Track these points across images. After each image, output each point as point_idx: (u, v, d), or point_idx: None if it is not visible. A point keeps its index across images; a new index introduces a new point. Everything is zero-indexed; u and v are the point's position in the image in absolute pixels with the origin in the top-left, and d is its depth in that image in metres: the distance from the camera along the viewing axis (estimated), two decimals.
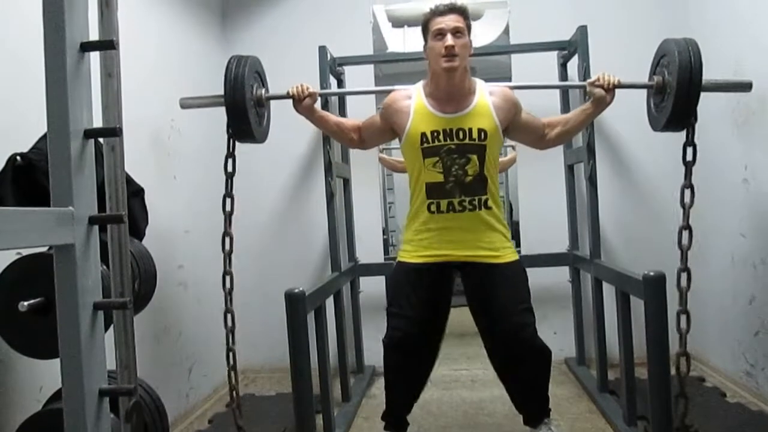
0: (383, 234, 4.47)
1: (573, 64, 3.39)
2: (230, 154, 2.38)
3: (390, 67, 5.09)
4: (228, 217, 2.38)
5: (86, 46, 1.12)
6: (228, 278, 2.36)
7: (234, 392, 2.32)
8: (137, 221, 2.06)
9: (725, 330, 3.06)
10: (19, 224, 0.98)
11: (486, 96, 2.30)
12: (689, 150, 2.24)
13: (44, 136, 1.29)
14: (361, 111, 3.73)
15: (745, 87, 2.32)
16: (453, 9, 2.25)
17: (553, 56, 3.59)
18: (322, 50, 3.32)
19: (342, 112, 3.68)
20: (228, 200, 2.38)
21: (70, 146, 1.09)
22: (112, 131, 1.21)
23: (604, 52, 3.33)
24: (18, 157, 1.69)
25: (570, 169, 3.55)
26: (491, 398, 3.05)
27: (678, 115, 2.20)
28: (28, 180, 1.67)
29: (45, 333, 1.25)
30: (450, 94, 2.28)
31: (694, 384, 3.10)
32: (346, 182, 3.65)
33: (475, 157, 2.24)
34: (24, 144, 1.74)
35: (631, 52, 3.62)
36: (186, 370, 3.08)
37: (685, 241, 2.20)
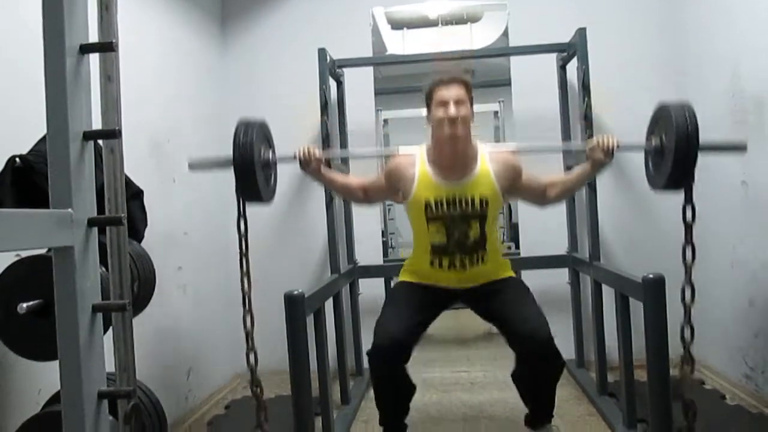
0: (382, 236, 4.47)
1: (572, 66, 3.39)
2: (241, 215, 2.42)
3: (389, 69, 5.09)
4: (246, 276, 2.38)
5: (86, 48, 1.12)
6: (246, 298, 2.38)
7: (258, 390, 2.35)
8: (136, 223, 2.06)
9: (725, 333, 3.06)
10: (18, 226, 0.98)
11: (487, 163, 2.37)
12: (688, 210, 2.26)
13: (43, 138, 1.29)
14: (361, 118, 3.75)
15: (741, 148, 2.36)
16: (455, 80, 2.32)
17: (552, 58, 3.60)
18: (322, 52, 3.32)
19: (342, 121, 3.67)
20: (244, 260, 2.41)
21: (70, 148, 1.09)
22: (112, 133, 1.21)
23: (604, 55, 3.34)
24: (17, 159, 1.69)
25: (569, 170, 3.54)
26: (491, 401, 3.05)
27: (676, 177, 2.22)
28: (27, 182, 1.67)
29: (44, 335, 1.25)
30: (453, 161, 2.35)
31: (694, 387, 3.09)
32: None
33: (476, 223, 2.35)
34: (23, 146, 1.74)
35: (630, 54, 3.65)
36: (184, 372, 3.08)
37: (688, 257, 2.23)
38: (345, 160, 3.57)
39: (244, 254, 2.42)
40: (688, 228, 2.23)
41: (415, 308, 2.38)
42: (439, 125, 2.29)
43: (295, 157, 2.45)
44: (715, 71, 3.14)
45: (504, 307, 2.35)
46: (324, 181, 2.60)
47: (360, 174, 2.74)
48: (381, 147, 5.61)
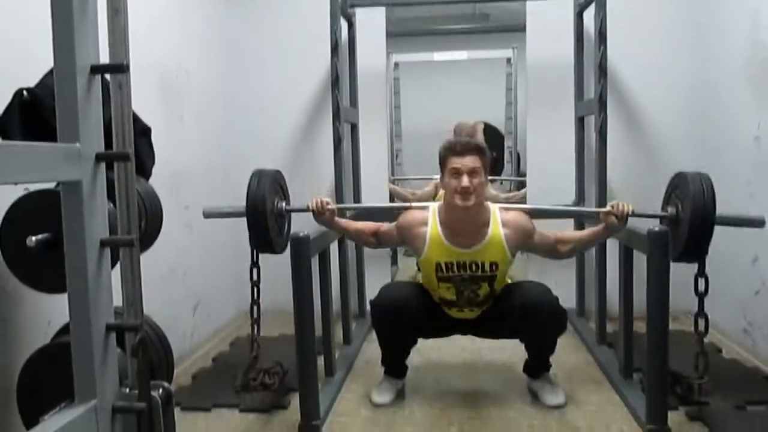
0: (390, 181, 4.46)
1: (589, 14, 3.31)
2: (254, 264, 2.53)
3: (402, 11, 4.98)
4: (255, 323, 2.54)
5: None
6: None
7: (255, 325, 2.55)
8: (144, 160, 2.05)
9: (726, 288, 3.08)
10: (27, 159, 0.98)
11: (499, 228, 2.38)
12: (701, 281, 2.28)
13: (51, 72, 1.28)
14: (371, 62, 3.68)
15: (759, 223, 2.32)
16: (470, 149, 2.30)
17: (569, 4, 3.50)
18: None
19: (353, 66, 3.60)
20: (254, 308, 2.55)
21: (77, 82, 1.08)
22: (119, 67, 1.19)
23: (622, 2, 3.25)
24: (24, 92, 1.67)
25: (580, 122, 3.51)
26: (490, 347, 3.10)
27: (691, 249, 2.22)
28: (34, 116, 1.66)
29: (53, 268, 1.27)
30: (464, 227, 2.38)
31: (691, 339, 3.13)
32: (354, 127, 3.62)
33: (486, 284, 2.40)
34: (30, 79, 1.72)
35: (649, 2, 3.55)
36: (190, 309, 3.13)
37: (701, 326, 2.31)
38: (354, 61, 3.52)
39: (255, 301, 2.54)
40: (701, 299, 2.28)
41: (428, 307, 2.48)
42: (452, 195, 2.31)
43: (308, 209, 2.47)
44: (734, 20, 3.06)
45: (503, 304, 2.44)
46: (337, 229, 2.62)
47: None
48: (392, 102, 5.56)
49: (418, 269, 2.91)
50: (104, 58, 1.18)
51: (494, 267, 2.38)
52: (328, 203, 2.46)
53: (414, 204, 2.58)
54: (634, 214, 2.33)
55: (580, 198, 3.51)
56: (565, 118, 3.55)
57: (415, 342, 2.58)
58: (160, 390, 1.29)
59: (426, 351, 2.99)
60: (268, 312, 3.22)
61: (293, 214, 2.59)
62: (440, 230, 2.40)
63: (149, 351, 1.38)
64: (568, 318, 2.48)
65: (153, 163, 2.09)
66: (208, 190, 3.32)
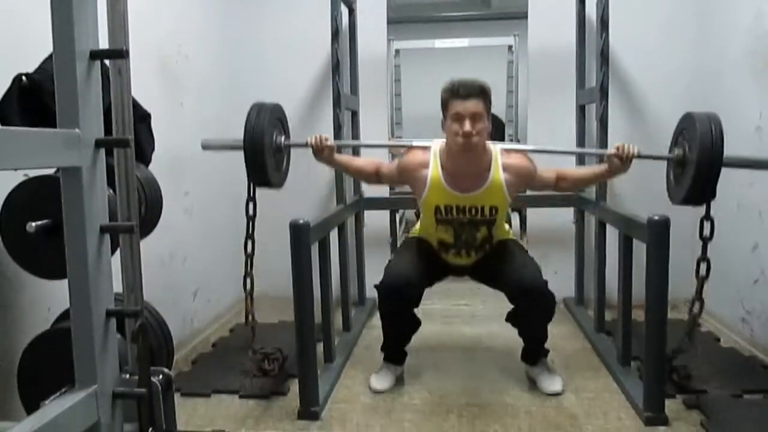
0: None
1: (591, 1, 3.29)
2: (251, 198, 2.49)
3: None
4: (249, 258, 2.49)
5: None
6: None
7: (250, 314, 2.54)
8: (144, 146, 2.04)
9: (725, 276, 3.08)
10: (26, 145, 0.98)
11: (500, 173, 2.37)
12: (707, 224, 2.24)
13: (50, 57, 1.27)
14: (372, 49, 3.66)
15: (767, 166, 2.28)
16: (473, 93, 2.25)
17: None
18: None
19: (353, 51, 3.59)
20: (248, 242, 2.50)
21: (76, 67, 1.08)
22: (119, 53, 1.19)
23: None
24: (23, 78, 1.67)
25: (581, 110, 3.50)
26: (490, 334, 3.12)
27: (697, 191, 2.17)
28: (34, 101, 1.66)
29: (53, 254, 1.27)
30: (465, 171, 2.37)
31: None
32: (355, 114, 3.61)
33: (484, 227, 2.42)
34: (29, 64, 1.71)
35: None
36: (190, 295, 3.14)
37: (702, 271, 2.29)
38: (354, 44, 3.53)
39: (250, 236, 2.50)
40: (705, 243, 2.24)
41: (426, 262, 2.48)
42: (454, 140, 2.29)
43: (307, 145, 2.46)
44: (737, 9, 3.04)
45: (499, 268, 2.45)
46: (336, 166, 2.63)
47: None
48: (393, 89, 5.54)
49: (417, 216, 2.92)
50: (103, 43, 1.17)
51: (494, 211, 2.40)
52: (326, 139, 2.46)
53: (415, 144, 2.54)
54: (639, 156, 2.32)
55: None
56: (567, 106, 3.54)
57: (419, 326, 2.59)
58: (160, 376, 1.30)
59: (425, 337, 3.00)
60: (268, 298, 3.25)
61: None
62: (441, 174, 2.39)
63: (149, 337, 1.39)
64: (555, 304, 2.45)
65: (153, 149, 2.09)
66: (207, 175, 3.31)
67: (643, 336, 2.21)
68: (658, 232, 2.15)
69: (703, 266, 2.28)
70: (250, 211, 2.49)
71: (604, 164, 2.43)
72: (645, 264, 2.20)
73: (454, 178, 2.37)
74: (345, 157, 2.67)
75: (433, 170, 2.40)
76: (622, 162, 2.31)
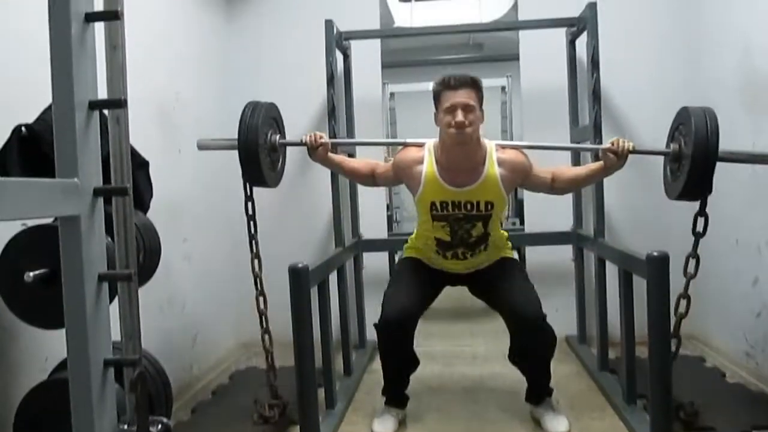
0: (387, 210, 4.47)
1: (581, 42, 3.35)
2: (249, 198, 2.49)
3: (397, 42, 5.04)
4: (256, 257, 2.52)
5: (91, 17, 1.11)
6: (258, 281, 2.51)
7: (272, 371, 2.56)
8: (142, 194, 2.05)
9: (727, 311, 3.07)
10: (25, 195, 0.98)
11: (495, 167, 2.37)
12: (700, 220, 2.26)
13: (49, 107, 1.29)
14: (367, 92, 3.71)
15: (765, 159, 2.31)
16: (464, 84, 2.27)
17: (561, 33, 3.55)
18: (329, 24, 3.29)
19: (349, 94, 3.64)
20: (253, 242, 2.52)
21: (75, 118, 1.09)
22: (117, 103, 1.20)
23: (614, 30, 3.30)
24: (23, 128, 1.68)
25: None
26: (492, 375, 3.08)
27: (693, 187, 2.20)
28: (33, 151, 1.67)
29: (51, 303, 1.26)
30: (460, 165, 2.36)
31: (695, 363, 3.12)
32: (351, 157, 3.64)
33: (480, 223, 2.40)
34: (29, 115, 1.73)
35: (640, 28, 3.60)
36: (189, 342, 3.11)
37: (691, 268, 2.29)
38: (350, 88, 3.57)
39: (253, 236, 2.46)
40: (697, 238, 2.25)
41: (420, 283, 2.47)
42: (447, 131, 2.29)
43: (302, 143, 2.47)
44: (726, 47, 3.10)
45: (498, 288, 2.43)
46: (331, 166, 2.62)
47: (367, 157, 2.74)
48: (389, 132, 5.60)
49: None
50: (102, 92, 1.19)
51: (489, 206, 2.37)
52: (321, 137, 2.46)
53: (409, 141, 2.52)
54: (634, 151, 2.33)
55: (578, 223, 3.52)
56: (561, 144, 3.57)
57: (418, 365, 2.57)
58: (159, 425, 1.28)
59: (426, 379, 2.97)
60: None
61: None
62: (436, 169, 2.37)
63: (148, 386, 1.37)
64: (556, 340, 2.45)
65: (151, 196, 2.10)
66: (206, 221, 3.32)
67: (647, 373, 2.18)
68: (658, 268, 2.14)
69: (692, 263, 2.27)
70: (250, 211, 2.49)
71: (599, 162, 2.42)
72: (646, 299, 2.19)
73: (449, 173, 2.36)
74: (340, 157, 2.65)
75: (428, 166, 2.39)
76: (618, 157, 2.32)
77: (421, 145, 2.46)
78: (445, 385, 3.03)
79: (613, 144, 2.33)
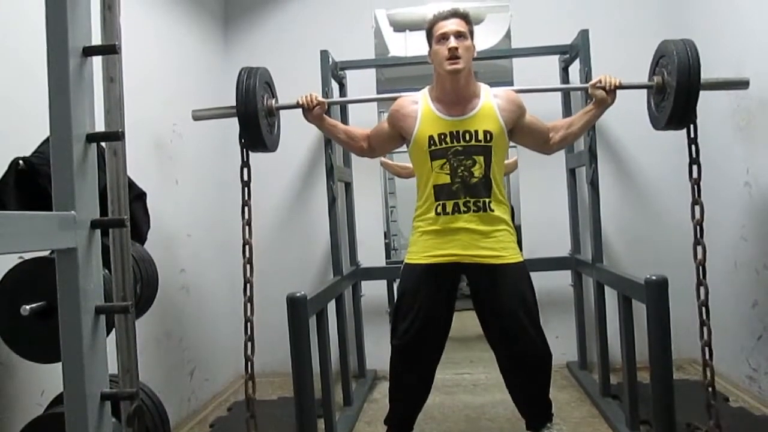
0: (385, 238, 4.46)
1: (574, 69, 3.39)
2: (245, 164, 2.45)
3: (392, 71, 5.08)
4: (246, 224, 2.42)
5: (89, 51, 1.12)
6: (248, 286, 2.38)
7: (250, 402, 2.35)
8: (139, 225, 2.06)
9: (728, 334, 3.05)
10: (22, 228, 0.98)
11: (491, 98, 2.34)
12: (695, 169, 2.31)
13: (47, 140, 1.29)
14: (363, 117, 3.74)
15: (743, 84, 2.39)
16: (455, 14, 2.30)
17: (554, 60, 3.60)
18: (324, 54, 3.32)
19: (344, 119, 3.68)
20: (245, 209, 2.43)
21: (73, 150, 1.09)
22: (115, 135, 1.21)
23: (606, 56, 3.33)
24: (20, 162, 1.69)
25: (572, 173, 3.55)
26: (493, 403, 3.05)
27: (678, 114, 2.27)
28: (30, 184, 1.67)
29: (47, 337, 1.26)
30: (455, 96, 2.32)
31: (697, 387, 3.08)
32: (348, 186, 3.65)
33: (480, 159, 2.28)
34: (26, 148, 1.74)
35: (633, 55, 3.62)
36: (187, 374, 3.08)
37: (699, 255, 2.28)
38: (344, 117, 3.59)
39: (246, 202, 2.42)
40: (695, 185, 2.30)
41: (429, 299, 2.32)
42: (441, 59, 2.28)
43: (298, 104, 2.47)
44: (718, 73, 3.12)
45: (503, 319, 2.29)
46: (326, 128, 2.58)
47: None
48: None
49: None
50: (99, 124, 1.20)
51: (488, 136, 2.28)
52: (316, 97, 2.44)
53: (404, 94, 2.48)
54: (621, 86, 2.38)
55: (576, 248, 3.52)
56: (557, 170, 3.59)
57: (428, 391, 2.47)
58: None
59: (427, 408, 2.92)
60: (266, 374, 3.19)
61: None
62: (432, 105, 2.35)
63: (145, 419, 1.35)
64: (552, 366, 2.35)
65: (148, 227, 2.10)
66: (203, 252, 3.31)
67: (650, 398, 2.17)
68: (657, 293, 2.14)
69: (699, 250, 2.27)
70: (245, 177, 2.44)
71: (590, 104, 2.44)
72: (646, 323, 2.18)
73: (446, 105, 2.33)
74: (335, 121, 2.62)
75: (424, 103, 2.37)
76: (607, 92, 2.36)
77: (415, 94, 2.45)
78: (445, 414, 2.99)
79: (600, 80, 2.39)
